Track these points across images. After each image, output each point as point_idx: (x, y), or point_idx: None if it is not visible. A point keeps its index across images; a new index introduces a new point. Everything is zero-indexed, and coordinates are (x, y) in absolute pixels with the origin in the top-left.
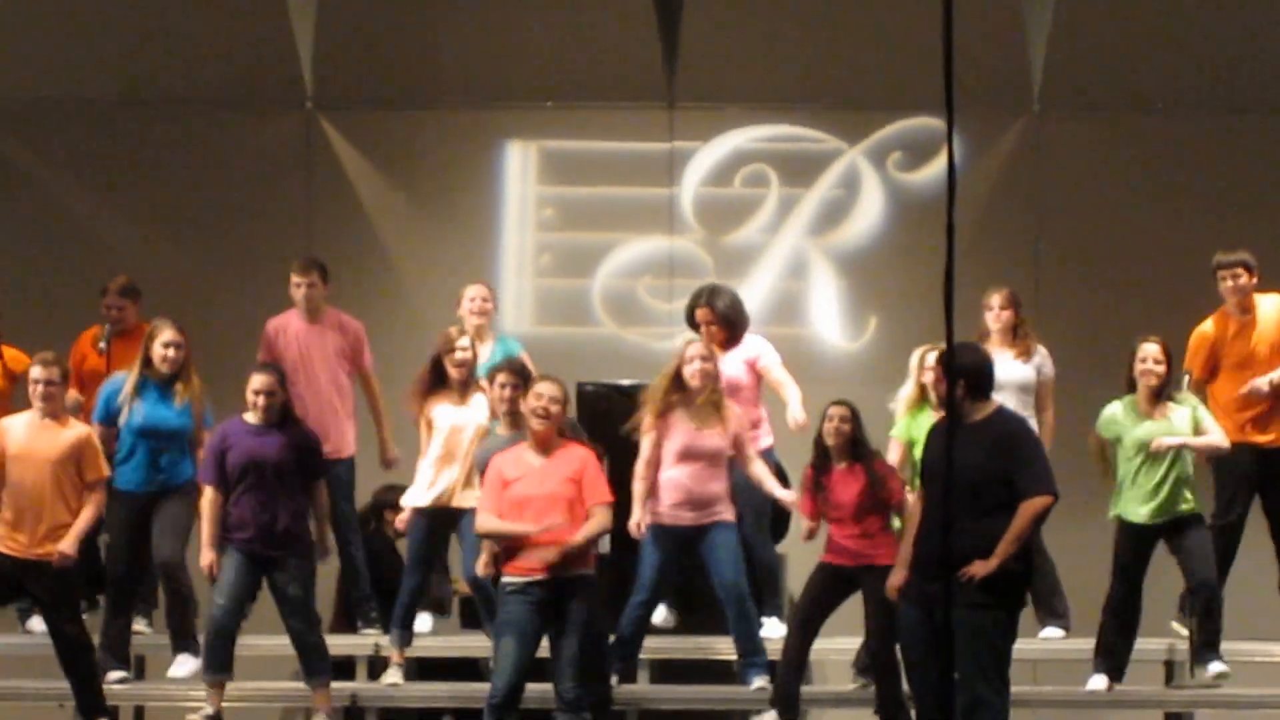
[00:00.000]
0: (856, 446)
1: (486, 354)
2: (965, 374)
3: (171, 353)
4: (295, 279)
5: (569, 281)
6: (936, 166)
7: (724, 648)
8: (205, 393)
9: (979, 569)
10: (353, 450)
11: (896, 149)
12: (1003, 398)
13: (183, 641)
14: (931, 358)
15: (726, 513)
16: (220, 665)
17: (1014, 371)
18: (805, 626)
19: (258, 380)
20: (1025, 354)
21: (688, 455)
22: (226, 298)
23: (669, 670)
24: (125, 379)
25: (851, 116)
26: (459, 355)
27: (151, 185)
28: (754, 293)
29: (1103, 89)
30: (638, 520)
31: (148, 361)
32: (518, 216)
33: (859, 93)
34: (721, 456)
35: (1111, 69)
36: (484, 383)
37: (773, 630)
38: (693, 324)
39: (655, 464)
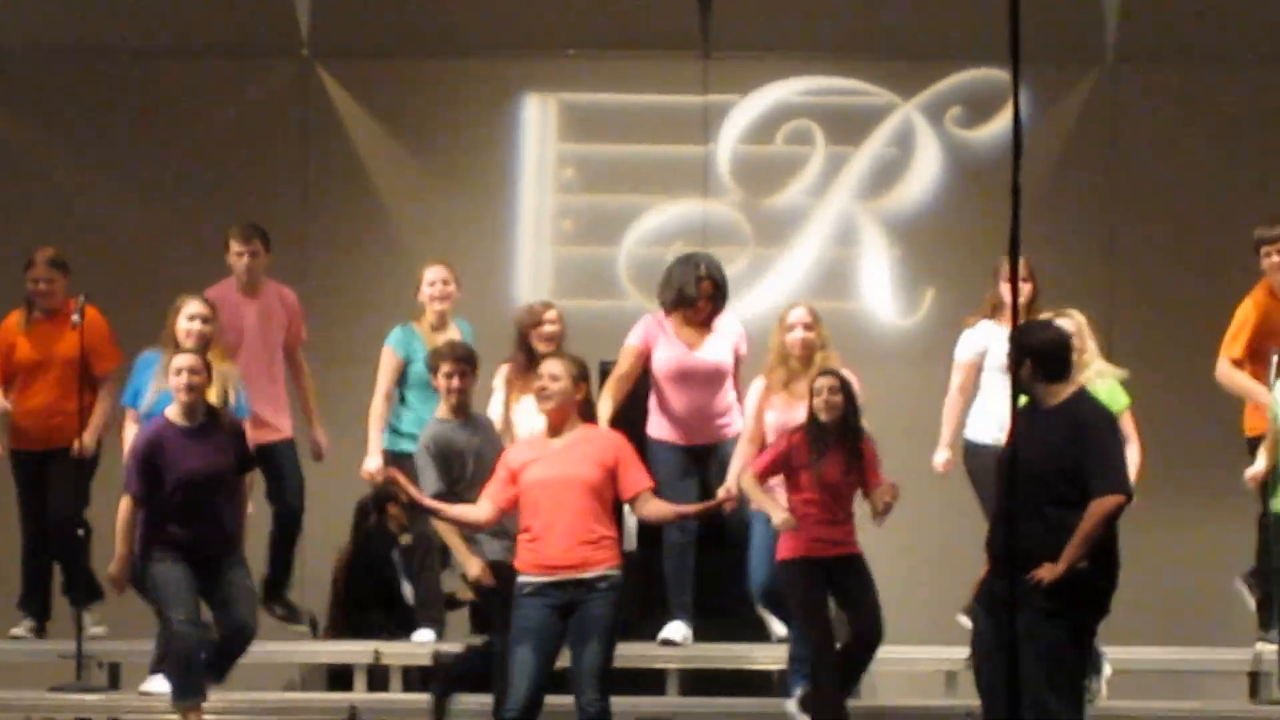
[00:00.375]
0: (848, 422)
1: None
2: (1034, 353)
3: (197, 327)
4: (236, 247)
5: (592, 249)
6: (1000, 123)
7: (761, 656)
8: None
9: (1046, 574)
10: (290, 431)
11: (956, 104)
12: None
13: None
14: (1068, 323)
15: None
16: (197, 687)
17: None
18: (825, 629)
19: (183, 359)
20: None
21: (782, 432)
22: (210, 266)
23: (700, 681)
24: (157, 358)
25: (906, 67)
26: (548, 329)
27: (127, 142)
28: (797, 263)
29: (1184, 38)
30: (728, 485)
31: (174, 341)
32: (535, 177)
33: (915, 41)
34: None
35: (1193, 16)
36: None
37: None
38: (686, 300)
39: (759, 440)
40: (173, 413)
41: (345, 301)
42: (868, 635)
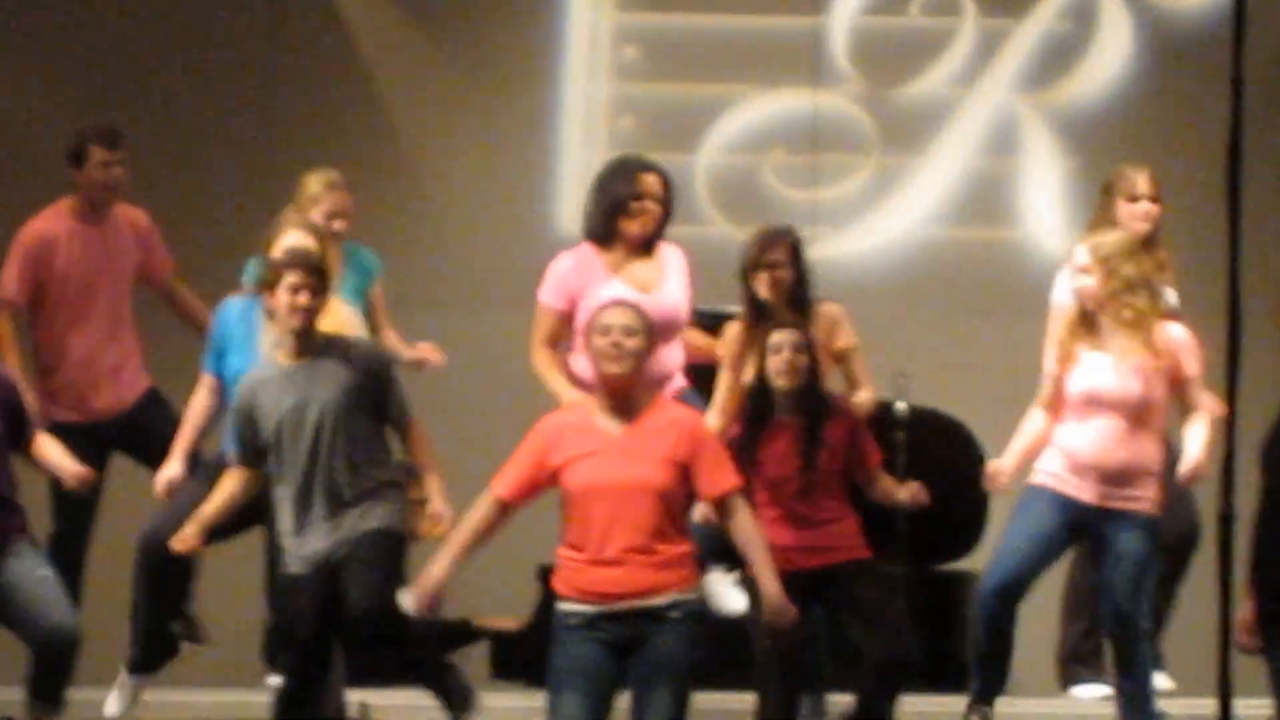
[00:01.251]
0: (811, 390)
1: (338, 272)
2: None
3: None
4: (101, 154)
5: (660, 157)
6: None
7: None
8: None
9: None
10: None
11: None
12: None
13: None
14: None
15: (1145, 500)
16: None
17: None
18: (787, 668)
19: None
20: (1163, 270)
21: (1092, 402)
22: (158, 182)
23: None
24: (248, 306)
25: None
26: (765, 275)
27: (43, 24)
28: (937, 176)
29: None
30: (998, 469)
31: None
32: (586, 59)
33: None
34: (1148, 410)
35: None
36: None
37: None
38: (621, 207)
39: (1055, 410)
40: None
41: None
42: (889, 663)
